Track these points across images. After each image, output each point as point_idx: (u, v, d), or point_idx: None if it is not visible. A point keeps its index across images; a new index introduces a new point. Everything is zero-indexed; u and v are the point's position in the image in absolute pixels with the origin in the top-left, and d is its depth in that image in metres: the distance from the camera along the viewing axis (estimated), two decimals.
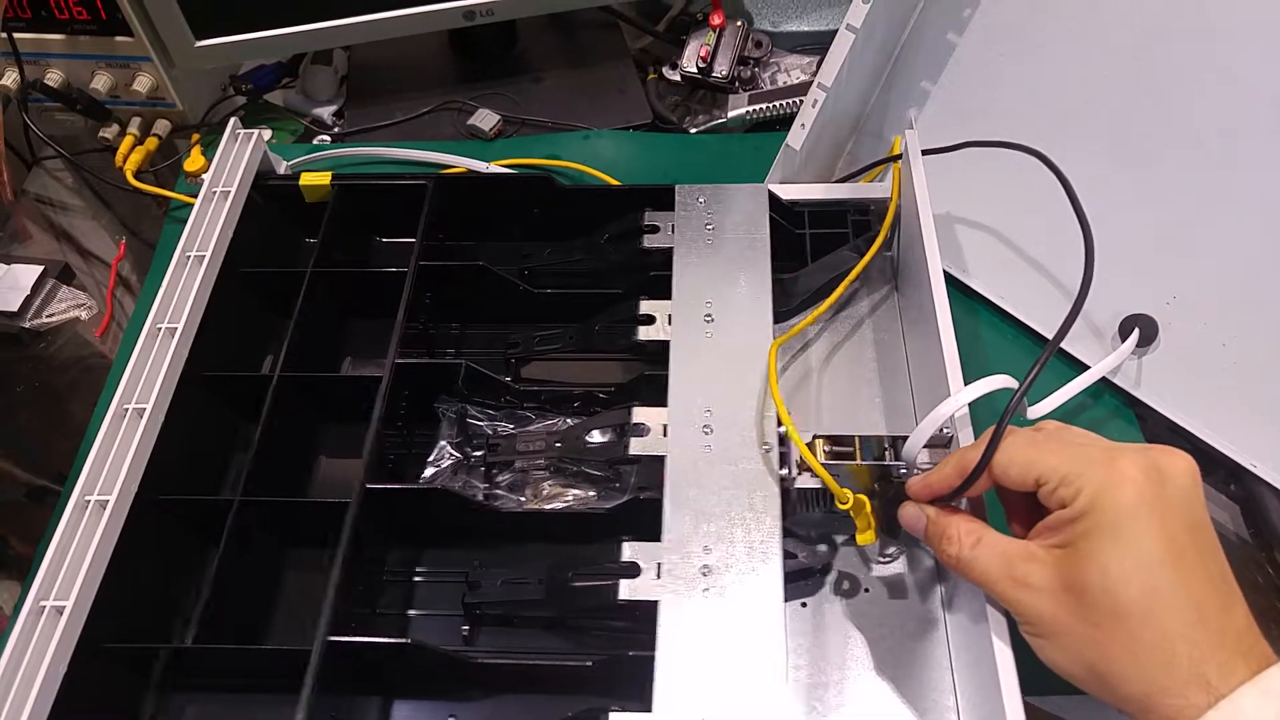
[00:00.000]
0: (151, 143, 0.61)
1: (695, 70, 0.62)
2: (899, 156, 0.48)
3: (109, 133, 0.61)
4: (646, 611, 0.33)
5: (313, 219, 0.47)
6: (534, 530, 0.39)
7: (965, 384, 0.36)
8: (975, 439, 0.36)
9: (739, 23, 0.63)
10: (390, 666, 0.35)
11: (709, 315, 0.41)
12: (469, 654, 0.36)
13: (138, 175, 0.59)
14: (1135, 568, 0.26)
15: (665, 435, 0.38)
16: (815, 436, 0.38)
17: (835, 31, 0.45)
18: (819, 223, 0.47)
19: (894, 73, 0.53)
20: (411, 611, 0.39)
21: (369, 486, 0.37)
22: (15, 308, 0.52)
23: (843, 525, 0.40)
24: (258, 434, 0.38)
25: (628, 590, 0.34)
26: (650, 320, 0.43)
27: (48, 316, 0.53)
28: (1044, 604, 0.27)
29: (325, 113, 0.65)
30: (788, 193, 0.48)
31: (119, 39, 0.58)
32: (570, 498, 0.40)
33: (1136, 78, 0.44)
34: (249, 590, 0.38)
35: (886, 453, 0.38)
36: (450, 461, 0.41)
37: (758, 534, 0.35)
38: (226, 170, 0.46)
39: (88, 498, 0.34)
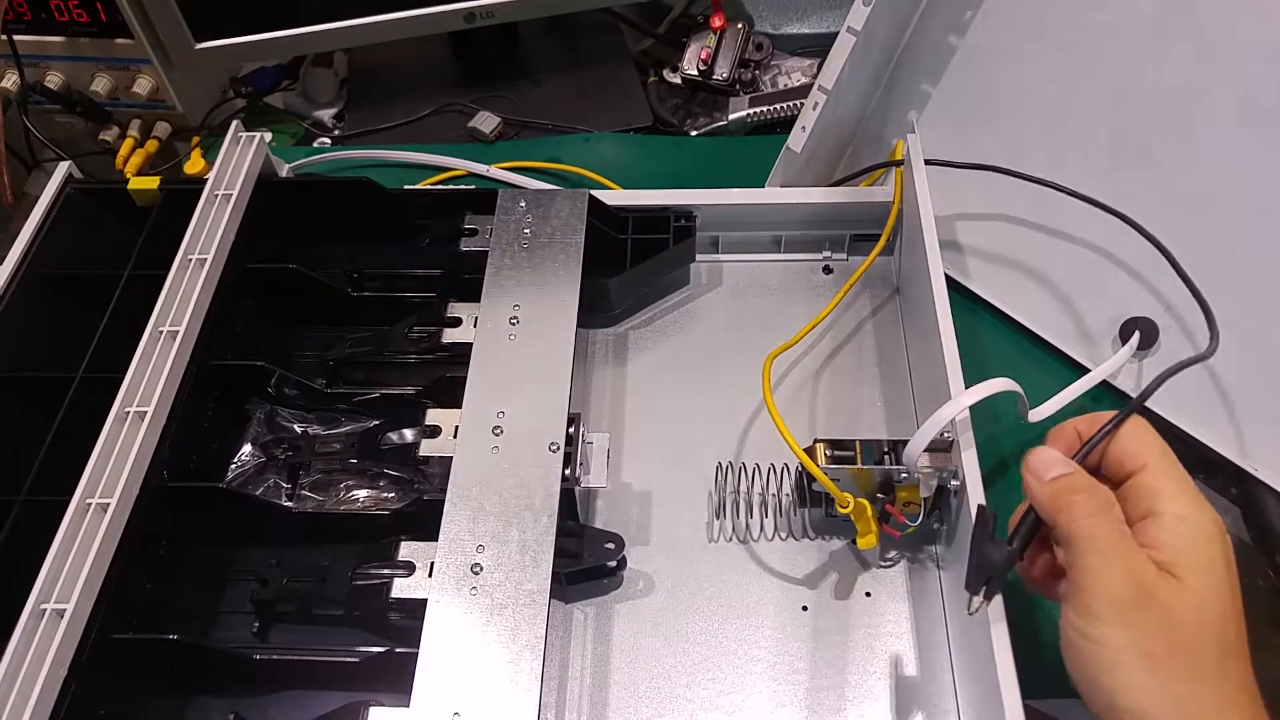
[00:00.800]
0: (152, 145, 0.61)
1: (696, 73, 0.62)
2: (900, 161, 0.48)
3: (109, 135, 0.61)
4: (418, 609, 0.34)
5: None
6: (332, 530, 0.40)
7: (966, 387, 0.36)
8: (975, 445, 0.36)
9: (740, 25, 0.63)
10: (164, 663, 0.36)
11: (514, 319, 0.41)
12: (240, 649, 0.36)
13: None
14: (1217, 615, 0.27)
15: (455, 437, 0.38)
16: (816, 440, 0.38)
17: (836, 34, 0.46)
18: (642, 228, 0.48)
19: (895, 75, 0.53)
20: (208, 608, 0.39)
21: (170, 485, 0.37)
22: None
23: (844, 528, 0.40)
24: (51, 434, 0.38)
25: (400, 588, 0.35)
26: (457, 322, 0.43)
27: None
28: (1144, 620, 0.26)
29: (325, 115, 0.65)
30: (615, 198, 0.48)
31: (119, 41, 0.58)
32: (363, 498, 0.41)
33: (1137, 79, 0.44)
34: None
35: (887, 457, 0.38)
36: (254, 462, 0.42)
37: (532, 533, 0.35)
38: (229, 173, 0.46)
39: (89, 500, 0.34)
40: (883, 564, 0.40)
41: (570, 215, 0.46)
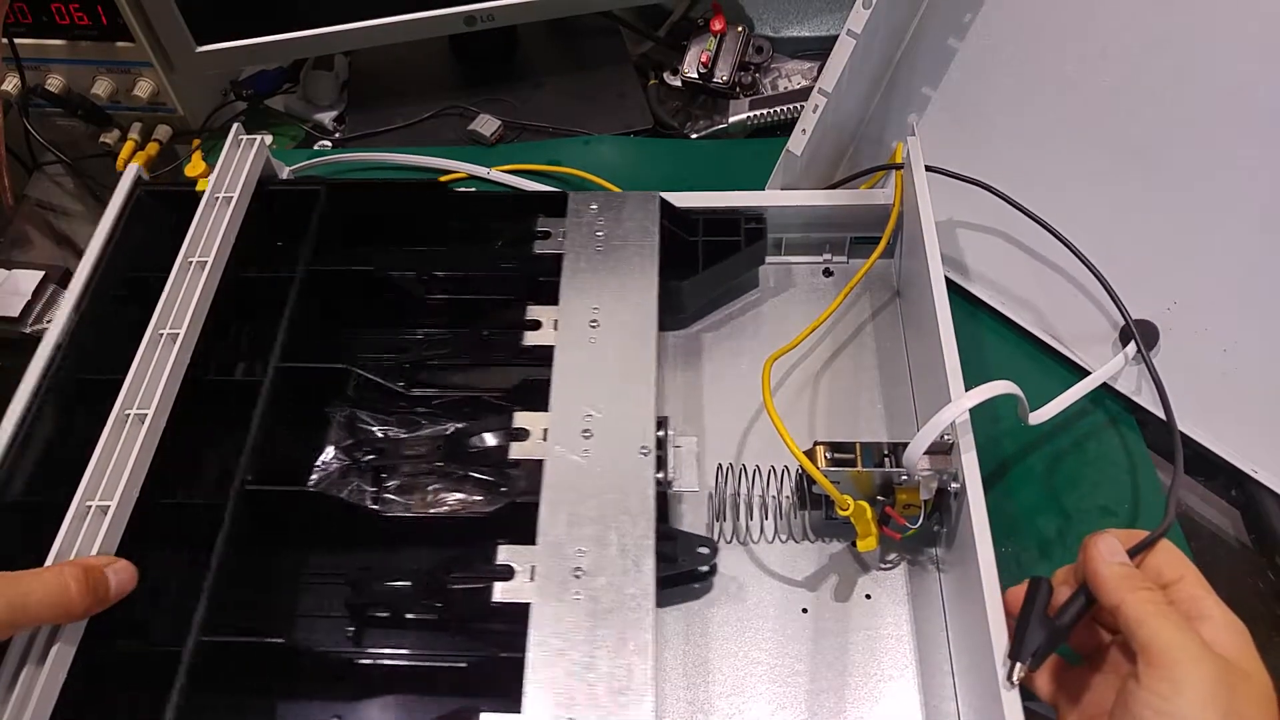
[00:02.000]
0: (152, 148, 0.61)
1: (696, 76, 0.62)
2: (901, 165, 0.48)
3: (110, 138, 0.61)
4: (521, 614, 0.34)
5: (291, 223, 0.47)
6: (420, 534, 0.39)
7: (967, 390, 0.36)
8: (975, 450, 0.36)
9: (740, 28, 0.63)
10: (269, 666, 0.35)
11: (594, 321, 0.41)
12: (345, 654, 0.36)
13: None
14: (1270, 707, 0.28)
15: (545, 439, 0.38)
16: (816, 443, 0.38)
17: (836, 37, 0.46)
18: (712, 230, 0.47)
19: (894, 78, 0.53)
20: (300, 613, 0.39)
21: (249, 488, 0.37)
22: (16, 313, 0.52)
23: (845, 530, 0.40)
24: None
25: (501, 593, 0.35)
26: (537, 325, 0.43)
27: (48, 322, 0.53)
28: None
29: (326, 118, 0.65)
30: (683, 200, 0.48)
31: (120, 44, 0.58)
32: (452, 502, 0.41)
33: (1137, 82, 0.44)
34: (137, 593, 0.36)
35: (887, 459, 0.38)
36: (338, 465, 0.41)
37: (631, 537, 0.35)
38: (229, 176, 0.46)
39: (88, 503, 0.34)
40: (883, 566, 0.40)
41: (644, 217, 0.45)
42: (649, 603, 0.34)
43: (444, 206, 0.48)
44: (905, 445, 0.37)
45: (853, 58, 0.46)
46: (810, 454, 0.37)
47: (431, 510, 0.40)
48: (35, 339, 0.48)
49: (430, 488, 0.41)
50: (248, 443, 0.37)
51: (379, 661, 0.35)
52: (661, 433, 0.38)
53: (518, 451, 0.39)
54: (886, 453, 0.38)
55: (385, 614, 0.38)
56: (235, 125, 0.49)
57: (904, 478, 0.37)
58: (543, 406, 0.39)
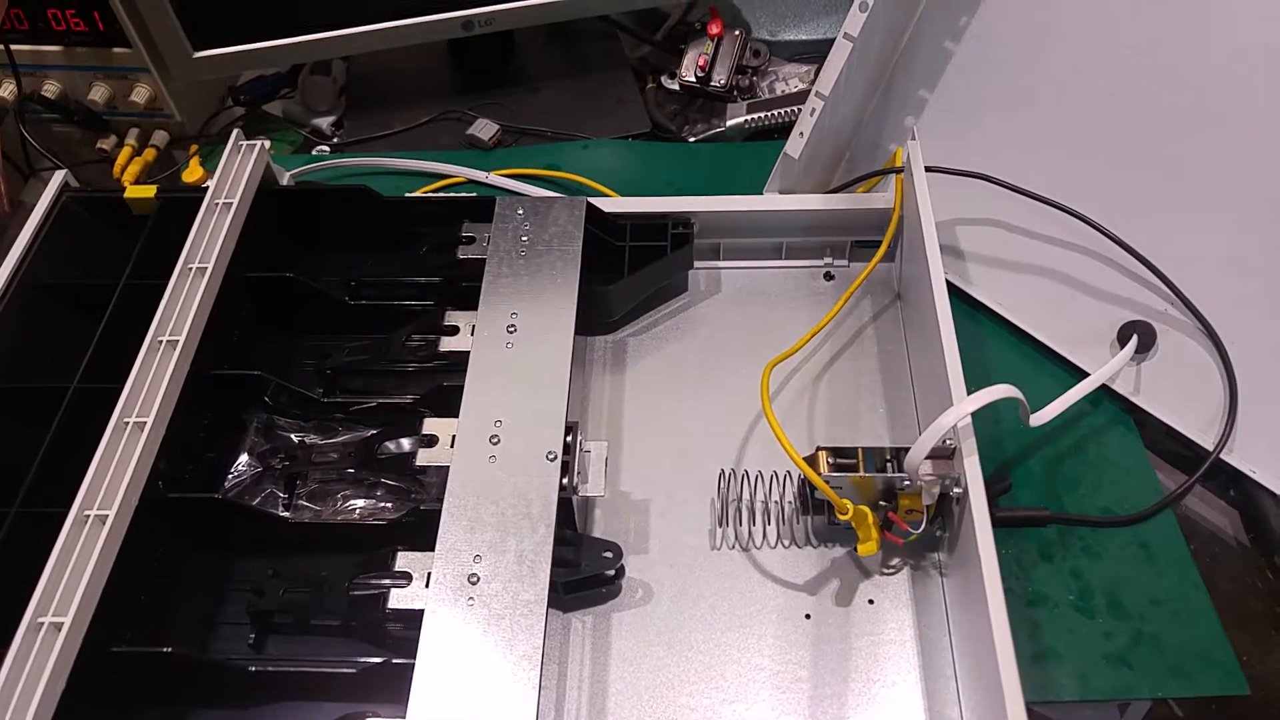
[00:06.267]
0: (149, 154, 0.61)
1: (694, 79, 0.62)
2: (900, 169, 0.48)
3: (106, 144, 0.61)
4: (416, 620, 0.34)
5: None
6: (329, 541, 0.39)
7: (968, 393, 0.36)
8: (977, 452, 0.36)
9: (737, 32, 0.63)
10: (158, 675, 0.35)
11: (512, 326, 0.41)
12: (237, 660, 0.36)
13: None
14: None
15: (452, 446, 0.38)
16: (819, 448, 0.38)
17: (833, 40, 0.46)
18: (640, 235, 0.48)
19: (891, 82, 0.53)
20: (202, 620, 0.39)
21: (168, 496, 0.37)
22: None
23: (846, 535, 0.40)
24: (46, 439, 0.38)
25: (396, 599, 0.35)
26: (455, 331, 0.43)
27: None
28: None
29: (324, 123, 0.65)
30: (611, 205, 0.48)
31: (116, 50, 0.58)
32: (361, 508, 0.41)
33: (1133, 82, 0.44)
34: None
35: (889, 464, 0.38)
36: (251, 472, 0.42)
37: (530, 543, 0.35)
38: (230, 181, 0.46)
39: (87, 512, 0.34)
40: (885, 571, 0.40)
41: (568, 222, 0.46)
42: (541, 608, 0.34)
43: (372, 212, 0.48)
44: (907, 450, 0.37)
45: (850, 61, 0.46)
46: (812, 459, 0.37)
47: (339, 517, 0.41)
48: None
49: (341, 494, 0.41)
50: (158, 450, 0.37)
51: (270, 669, 0.36)
52: (570, 438, 0.38)
53: (425, 458, 0.39)
54: (889, 458, 0.38)
55: (287, 620, 0.38)
56: (235, 131, 0.49)
57: (906, 483, 0.37)
58: (455, 413, 0.39)
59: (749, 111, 0.62)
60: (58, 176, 0.49)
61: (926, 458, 0.36)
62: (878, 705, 0.37)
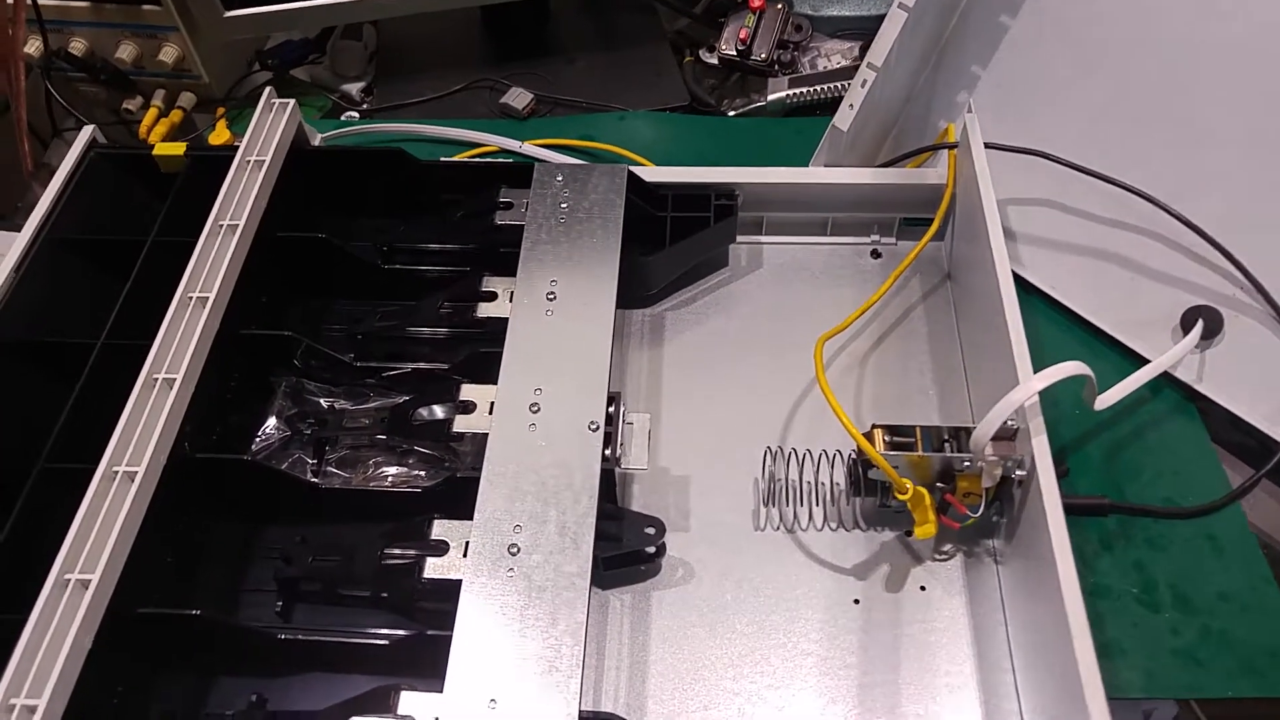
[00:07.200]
0: (175, 115, 0.60)
1: (734, 53, 0.61)
2: (954, 144, 0.47)
3: (133, 104, 0.60)
4: (453, 590, 0.33)
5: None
6: (360, 508, 0.38)
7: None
8: (1045, 433, 0.34)
9: (779, 5, 0.62)
10: (186, 640, 0.34)
11: (551, 294, 0.40)
12: (266, 629, 0.35)
13: None
14: None
15: (490, 413, 0.37)
16: (874, 426, 0.36)
17: (876, 16, 0.44)
18: (682, 206, 0.46)
19: (943, 56, 0.51)
20: (229, 586, 0.38)
21: (195, 457, 0.36)
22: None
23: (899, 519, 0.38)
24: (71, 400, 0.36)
25: (432, 568, 0.34)
26: (493, 297, 0.42)
27: None
28: None
29: (353, 89, 0.63)
30: (652, 174, 0.46)
31: (146, 7, 0.56)
32: (393, 475, 0.40)
33: (1199, 54, 0.42)
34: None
35: (948, 444, 0.36)
36: (279, 436, 0.40)
37: (572, 515, 0.34)
38: (261, 139, 0.45)
39: (116, 468, 0.33)
40: (937, 557, 0.39)
41: (609, 190, 0.44)
42: (584, 582, 0.32)
43: (406, 176, 0.47)
44: (967, 430, 0.36)
45: (904, 32, 0.45)
46: (867, 438, 0.36)
47: (371, 484, 0.39)
48: None
49: (372, 461, 0.40)
50: (186, 408, 0.36)
51: (300, 637, 0.34)
52: (612, 408, 0.37)
53: (463, 424, 0.38)
54: (947, 437, 0.36)
55: (315, 588, 0.37)
56: (268, 89, 0.47)
57: (966, 464, 0.35)
58: (492, 380, 0.38)
59: (790, 86, 0.60)
60: (85, 132, 0.48)
61: (991, 439, 0.34)
62: (930, 695, 0.35)
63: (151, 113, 0.59)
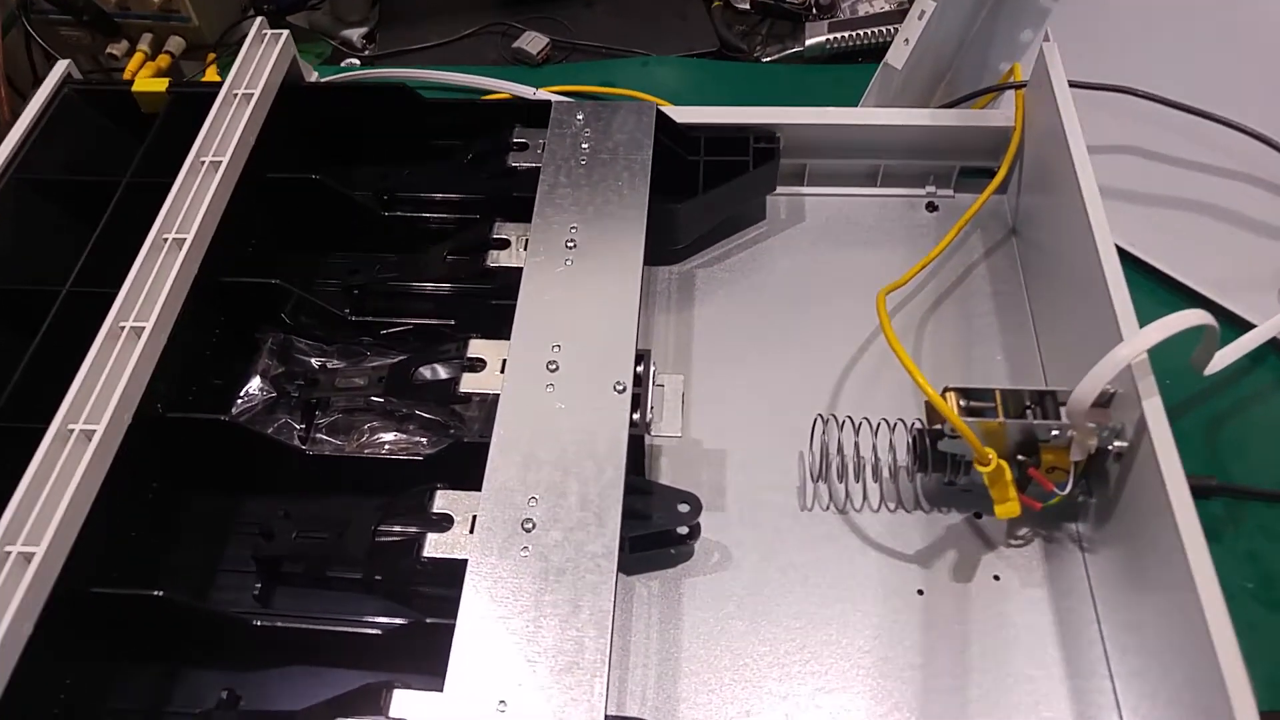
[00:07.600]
0: (163, 60, 0.55)
1: None
2: (1023, 83, 0.41)
3: (118, 49, 0.56)
4: (457, 572, 0.28)
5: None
6: (352, 478, 0.34)
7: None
8: (1158, 394, 0.29)
9: None
10: (147, 625, 0.30)
11: (571, 242, 0.36)
12: (240, 614, 0.30)
13: None
14: None
15: (502, 372, 0.32)
16: (946, 389, 0.31)
17: None
18: (716, 150, 0.41)
19: None
20: (200, 565, 0.33)
21: (167, 416, 0.31)
22: None
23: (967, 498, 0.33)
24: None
25: (434, 545, 0.29)
26: (505, 245, 0.37)
27: None
28: None
29: (355, 35, 0.59)
30: (683, 115, 0.41)
31: None
32: (390, 441, 0.35)
33: None
34: None
35: (1031, 410, 0.31)
36: (264, 397, 0.36)
37: (595, 486, 0.29)
38: (251, 71, 0.40)
39: (71, 426, 0.29)
40: (1012, 543, 0.34)
41: (636, 129, 0.39)
42: (611, 564, 0.28)
43: (411, 115, 0.42)
44: (1053, 394, 0.31)
45: None
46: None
47: (366, 451, 0.35)
48: None
49: (367, 426, 0.36)
50: (156, 362, 0.31)
51: (279, 625, 0.30)
52: (641, 368, 0.32)
53: (470, 384, 0.33)
54: (1030, 403, 0.31)
55: (299, 569, 0.32)
56: (258, 19, 0.43)
57: (1054, 433, 0.30)
58: (504, 335, 0.33)
59: (830, 31, 0.55)
60: (60, 66, 0.43)
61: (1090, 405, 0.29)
62: (1011, 703, 0.30)
63: (138, 57, 0.55)
